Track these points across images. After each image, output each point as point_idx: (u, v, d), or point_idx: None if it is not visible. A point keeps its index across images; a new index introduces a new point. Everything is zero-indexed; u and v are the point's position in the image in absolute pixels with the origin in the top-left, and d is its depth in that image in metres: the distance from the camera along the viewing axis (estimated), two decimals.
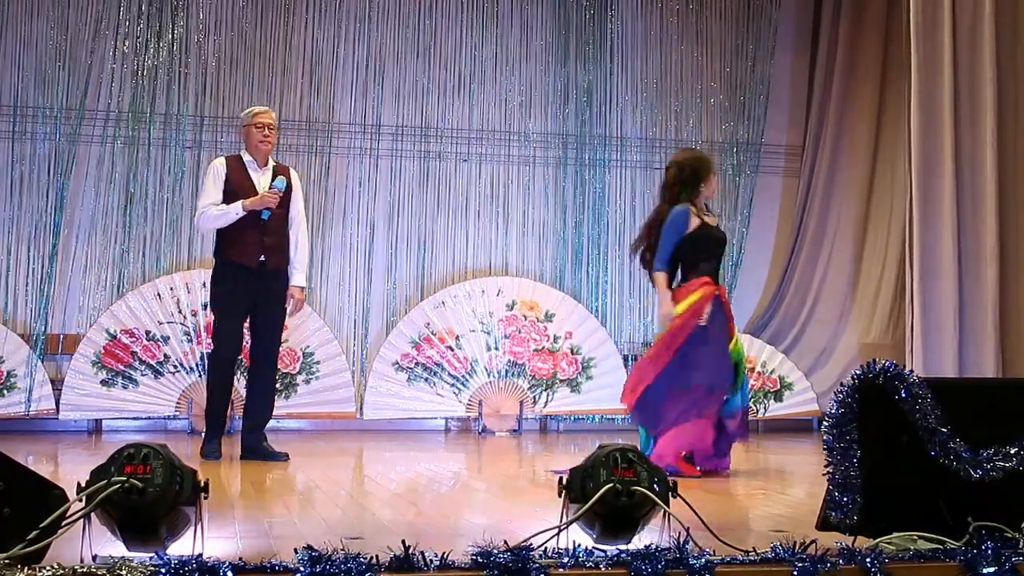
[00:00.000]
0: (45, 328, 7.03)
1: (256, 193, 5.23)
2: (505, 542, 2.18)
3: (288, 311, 5.40)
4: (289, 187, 5.33)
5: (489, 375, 7.36)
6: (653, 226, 4.93)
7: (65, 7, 7.21)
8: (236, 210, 5.17)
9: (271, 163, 5.39)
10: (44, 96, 7.16)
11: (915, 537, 2.47)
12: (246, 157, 5.35)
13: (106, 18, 7.25)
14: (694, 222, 4.82)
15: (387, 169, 7.68)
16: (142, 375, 6.88)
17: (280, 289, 5.32)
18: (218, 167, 5.32)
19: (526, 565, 2.10)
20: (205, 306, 7.01)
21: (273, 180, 5.28)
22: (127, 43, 7.27)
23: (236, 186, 5.25)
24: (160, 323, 6.97)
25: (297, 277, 5.37)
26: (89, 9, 7.24)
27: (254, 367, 5.38)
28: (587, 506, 2.31)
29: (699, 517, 2.43)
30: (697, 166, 4.92)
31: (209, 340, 6.91)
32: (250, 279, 5.21)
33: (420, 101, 7.74)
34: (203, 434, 5.42)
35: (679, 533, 2.28)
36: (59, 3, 7.21)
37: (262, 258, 5.22)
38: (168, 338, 6.95)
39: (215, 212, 5.21)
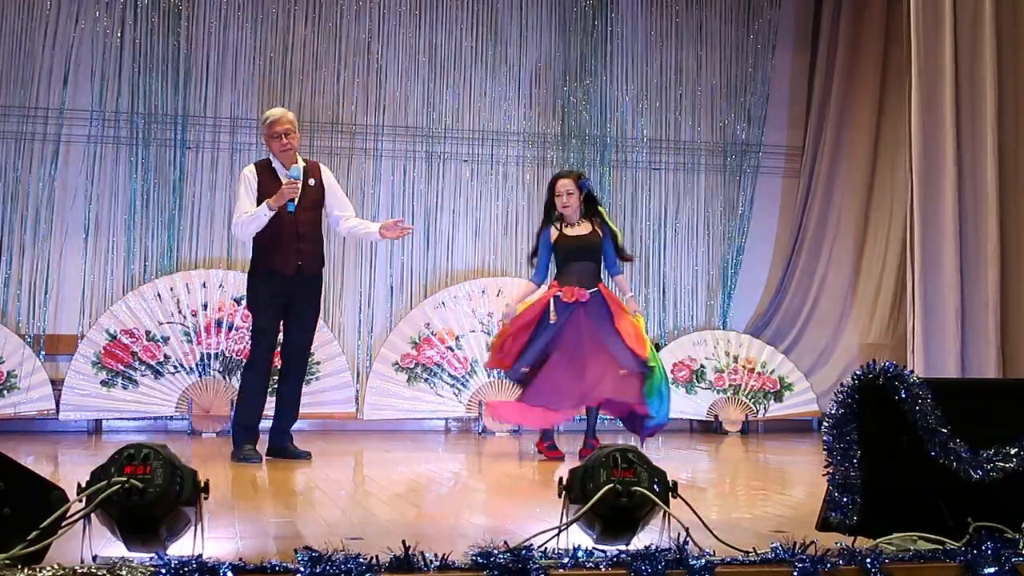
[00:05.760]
0: (45, 328, 7.04)
1: None
2: (505, 542, 2.18)
3: (399, 231, 5.49)
4: (320, 185, 5.38)
5: (489, 375, 7.35)
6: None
7: (68, 5, 7.21)
8: (263, 211, 5.16)
9: (300, 162, 5.36)
10: (44, 96, 7.16)
11: (915, 537, 2.47)
12: (274, 162, 5.34)
13: (109, 17, 7.25)
14: (554, 234, 5.66)
15: (388, 170, 7.68)
16: (142, 375, 6.88)
17: (315, 293, 5.39)
18: (248, 176, 5.31)
19: (526, 565, 2.09)
20: (205, 306, 7.03)
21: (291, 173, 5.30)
22: (129, 42, 7.28)
23: (268, 191, 5.23)
24: (160, 323, 6.97)
25: (372, 226, 5.51)
26: (93, 7, 7.24)
27: (286, 368, 5.40)
28: (587, 506, 2.31)
29: (699, 517, 2.43)
30: (548, 190, 5.74)
31: (209, 340, 6.95)
32: (286, 282, 5.23)
33: (421, 102, 7.74)
34: (232, 436, 5.29)
35: (679, 533, 2.28)
36: (62, 1, 7.21)
37: (299, 263, 5.25)
38: (168, 338, 6.95)
39: (245, 218, 5.20)
